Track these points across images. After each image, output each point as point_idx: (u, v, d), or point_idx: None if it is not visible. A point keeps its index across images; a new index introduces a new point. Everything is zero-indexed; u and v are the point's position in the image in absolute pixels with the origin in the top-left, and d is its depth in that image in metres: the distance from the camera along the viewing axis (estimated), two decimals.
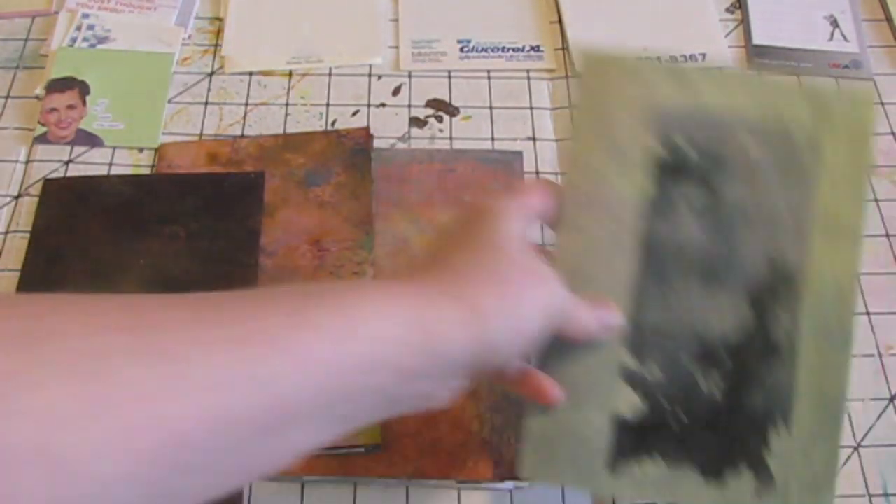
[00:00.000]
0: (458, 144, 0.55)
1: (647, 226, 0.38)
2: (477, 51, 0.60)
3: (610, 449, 0.37)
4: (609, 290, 0.37)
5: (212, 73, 0.58)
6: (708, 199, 0.39)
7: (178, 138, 0.55)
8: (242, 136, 0.55)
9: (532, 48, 0.60)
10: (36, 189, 0.52)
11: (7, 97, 0.57)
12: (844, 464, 0.44)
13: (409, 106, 0.57)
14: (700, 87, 0.39)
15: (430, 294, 0.30)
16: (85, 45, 0.58)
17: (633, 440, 0.37)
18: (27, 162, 0.54)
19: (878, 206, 0.53)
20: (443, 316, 0.29)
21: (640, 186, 0.38)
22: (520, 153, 0.54)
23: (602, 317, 0.36)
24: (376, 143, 0.54)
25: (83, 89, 0.56)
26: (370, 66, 0.59)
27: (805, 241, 0.38)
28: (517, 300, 0.31)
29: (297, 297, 0.26)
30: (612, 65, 0.40)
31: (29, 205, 0.52)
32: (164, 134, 0.55)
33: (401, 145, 0.55)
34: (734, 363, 0.37)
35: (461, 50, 0.60)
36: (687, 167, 0.39)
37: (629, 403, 0.37)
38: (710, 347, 0.37)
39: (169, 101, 0.57)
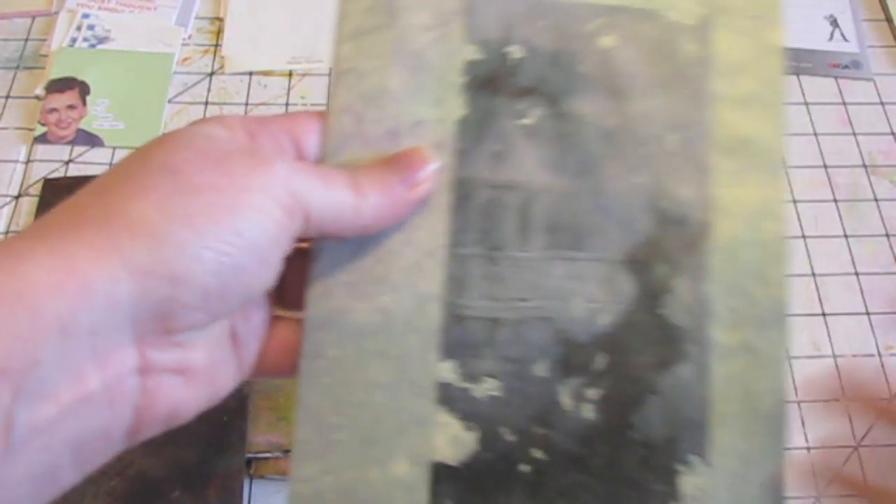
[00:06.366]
0: None
1: (461, 164, 0.26)
2: None
3: None
4: (416, 269, 0.26)
5: (212, 73, 0.58)
6: (549, 117, 0.26)
7: None
8: None
9: None
10: (36, 189, 0.52)
11: (7, 97, 0.57)
12: (844, 464, 0.44)
13: None
14: None
15: (19, 241, 0.20)
16: (85, 45, 0.58)
17: (463, 499, 0.25)
18: (27, 162, 0.54)
19: (878, 206, 0.53)
20: (35, 260, 0.19)
21: (454, 111, 0.26)
22: None
23: (408, 172, 0.25)
24: None
25: (83, 89, 0.56)
26: None
27: (703, 173, 0.26)
28: (202, 197, 0.21)
29: None
30: None
31: (29, 205, 0.52)
32: (164, 134, 0.55)
33: None
34: (612, 363, 0.25)
35: None
36: (510, 71, 0.27)
37: (451, 439, 0.25)
38: (572, 342, 0.25)
39: (169, 101, 0.57)
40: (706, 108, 0.27)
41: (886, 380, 0.46)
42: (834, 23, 0.61)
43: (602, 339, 0.25)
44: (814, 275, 0.50)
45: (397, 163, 0.25)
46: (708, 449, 0.25)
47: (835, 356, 0.47)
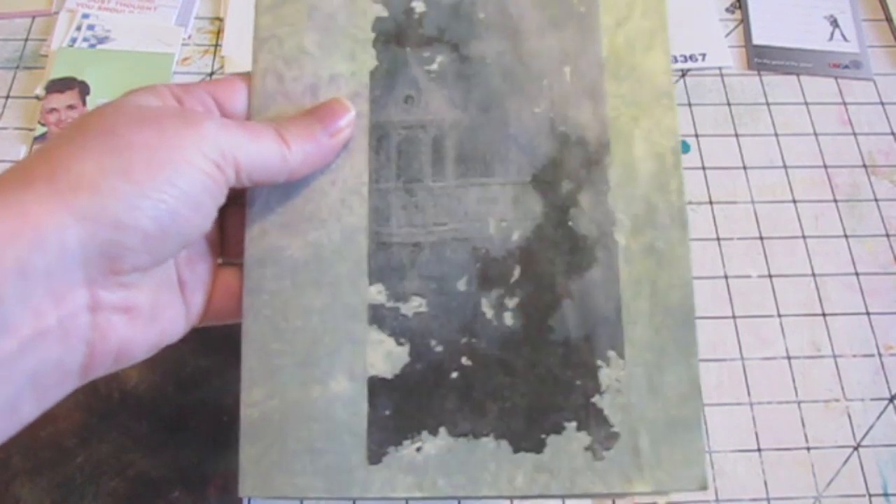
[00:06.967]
0: None
1: (376, 109, 0.29)
2: None
3: (369, 429, 0.27)
4: (342, 205, 0.28)
5: (212, 74, 0.58)
6: (453, 61, 0.29)
7: None
8: None
9: None
10: None
11: (7, 97, 0.57)
12: (844, 464, 0.44)
13: None
14: None
15: None
16: (85, 45, 0.58)
17: (400, 408, 0.27)
18: None
19: (878, 206, 0.53)
20: None
21: (366, 63, 0.29)
22: None
23: (329, 120, 0.28)
24: None
25: (83, 89, 0.56)
26: None
27: (598, 98, 0.29)
28: (136, 153, 0.23)
29: None
30: None
31: None
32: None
33: None
34: (527, 273, 0.28)
35: None
36: (415, 24, 0.30)
37: (385, 354, 0.27)
38: (489, 258, 0.28)
39: None
40: (596, 41, 0.29)
41: (886, 380, 0.46)
42: (834, 23, 0.61)
43: (516, 253, 0.28)
44: (814, 275, 0.50)
45: (318, 113, 0.28)
46: (623, 344, 0.27)
47: (835, 356, 0.47)
